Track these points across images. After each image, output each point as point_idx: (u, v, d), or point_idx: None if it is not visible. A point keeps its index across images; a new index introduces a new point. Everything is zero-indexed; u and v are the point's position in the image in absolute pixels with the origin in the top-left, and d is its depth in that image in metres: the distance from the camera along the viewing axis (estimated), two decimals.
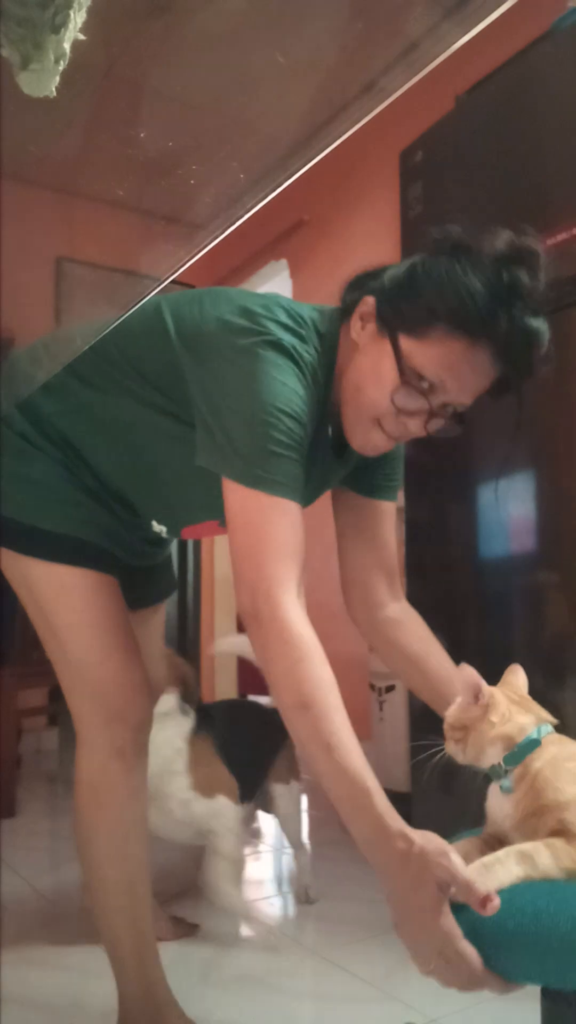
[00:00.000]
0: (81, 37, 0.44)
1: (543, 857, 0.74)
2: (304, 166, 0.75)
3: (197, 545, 4.46)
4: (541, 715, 0.88)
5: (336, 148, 0.62)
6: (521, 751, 0.84)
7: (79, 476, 1.16)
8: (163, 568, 1.43)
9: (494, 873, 0.73)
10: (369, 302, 1.04)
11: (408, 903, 0.74)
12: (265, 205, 0.77)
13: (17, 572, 1.18)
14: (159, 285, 0.84)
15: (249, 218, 0.77)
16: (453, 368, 0.98)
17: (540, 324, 0.99)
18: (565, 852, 0.75)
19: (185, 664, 1.83)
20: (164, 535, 1.28)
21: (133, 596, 1.27)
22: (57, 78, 0.45)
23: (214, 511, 1.08)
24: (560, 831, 0.77)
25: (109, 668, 1.17)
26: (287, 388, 0.96)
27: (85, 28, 0.44)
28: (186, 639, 4.46)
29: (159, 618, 1.47)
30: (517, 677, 0.94)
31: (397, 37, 0.47)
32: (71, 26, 0.42)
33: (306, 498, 1.07)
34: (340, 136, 0.55)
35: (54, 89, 0.45)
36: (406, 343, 0.98)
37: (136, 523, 1.23)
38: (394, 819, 0.77)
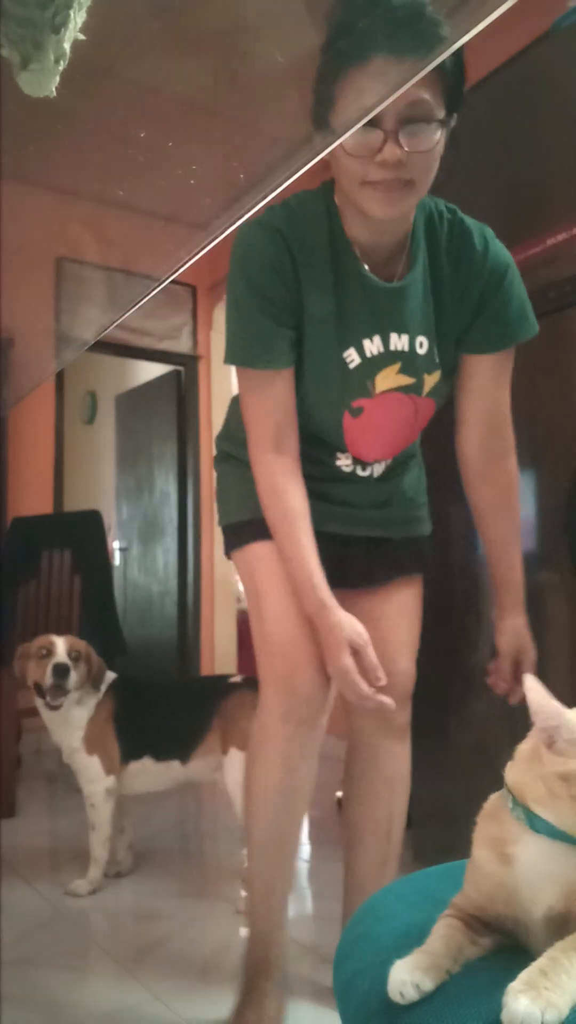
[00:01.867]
0: (81, 37, 0.44)
1: None
2: (304, 166, 0.75)
3: (197, 545, 4.46)
4: None
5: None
6: None
7: None
8: (393, 545, 1.40)
9: (563, 988, 0.52)
10: None
11: (326, 645, 1.17)
12: (265, 205, 0.77)
13: (239, 565, 1.36)
14: (159, 285, 0.84)
15: None
16: (358, 83, 0.92)
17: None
18: None
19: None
20: (352, 467, 1.31)
21: (353, 573, 1.35)
22: (57, 78, 0.45)
23: (337, 405, 1.23)
24: None
25: (283, 628, 1.25)
26: (255, 266, 1.14)
27: (85, 28, 0.44)
28: (186, 637, 4.46)
29: (397, 601, 1.40)
30: None
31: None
32: (71, 26, 0.42)
33: (389, 327, 1.18)
34: (341, 135, 0.55)
35: (54, 89, 0.45)
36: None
37: (330, 471, 1.31)
38: (323, 592, 1.17)
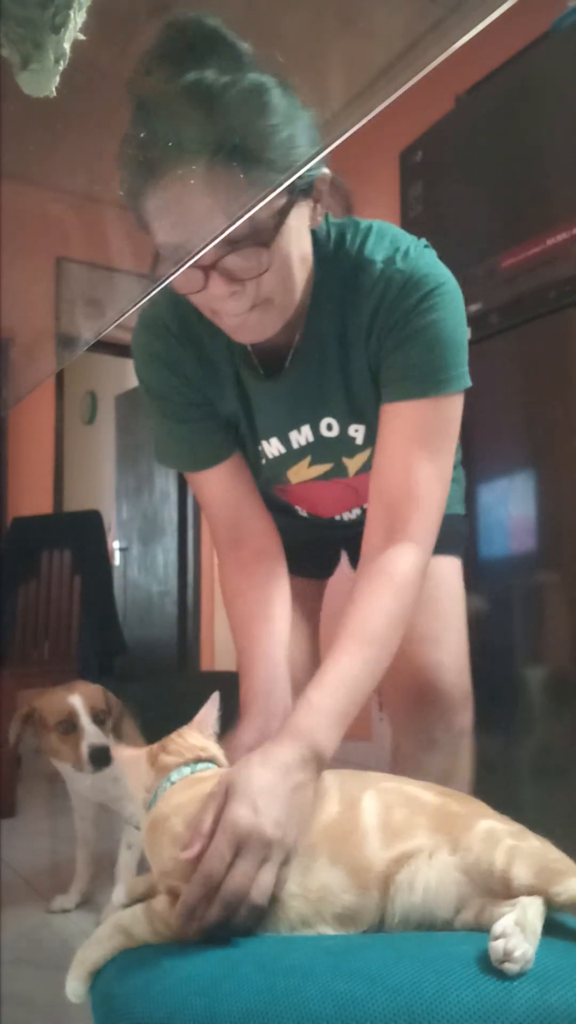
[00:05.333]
0: (81, 37, 0.44)
1: (140, 926, 0.69)
2: (304, 166, 0.75)
3: (197, 545, 4.46)
4: (196, 754, 0.73)
5: (336, 148, 0.62)
6: (151, 801, 0.72)
7: None
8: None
9: (89, 951, 0.73)
10: None
11: None
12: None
13: None
14: (159, 285, 0.84)
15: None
16: (160, 221, 0.81)
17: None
18: (161, 917, 0.66)
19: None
20: (306, 514, 1.20)
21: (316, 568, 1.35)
22: (57, 78, 0.45)
23: (265, 485, 1.13)
24: (171, 893, 0.67)
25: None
26: (144, 366, 1.03)
27: (85, 28, 0.44)
28: (186, 636, 4.46)
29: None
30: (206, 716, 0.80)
31: (397, 37, 0.47)
32: (71, 26, 0.42)
33: (285, 426, 1.03)
34: (340, 136, 0.55)
35: (54, 89, 0.45)
36: None
37: (301, 519, 1.20)
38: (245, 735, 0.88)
